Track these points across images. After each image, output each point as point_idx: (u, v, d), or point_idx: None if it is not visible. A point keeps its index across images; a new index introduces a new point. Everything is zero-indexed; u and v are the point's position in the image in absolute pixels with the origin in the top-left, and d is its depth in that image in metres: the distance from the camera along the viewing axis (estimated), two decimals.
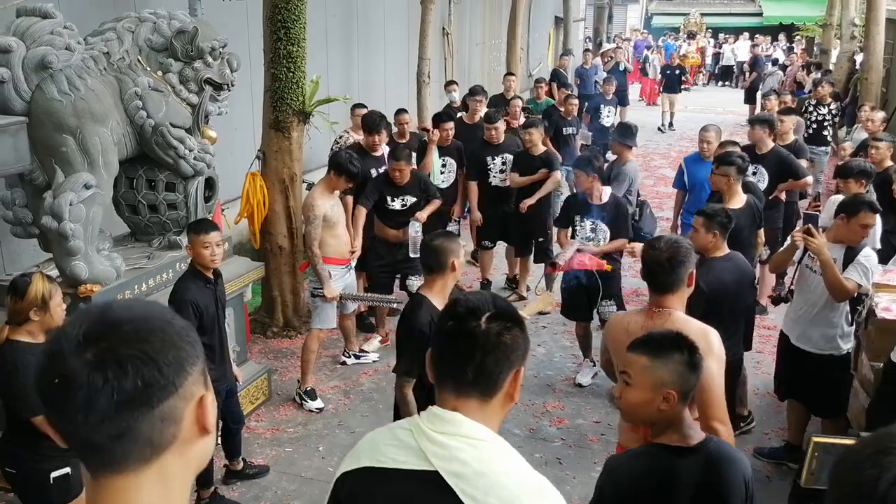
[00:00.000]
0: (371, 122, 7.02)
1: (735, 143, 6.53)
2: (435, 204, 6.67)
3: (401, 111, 8.04)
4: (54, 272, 4.49)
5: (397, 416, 4.01)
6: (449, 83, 11.26)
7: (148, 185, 5.08)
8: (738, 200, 5.69)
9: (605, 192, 6.16)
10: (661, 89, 19.72)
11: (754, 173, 7.35)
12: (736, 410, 5.29)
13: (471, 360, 1.75)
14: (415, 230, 6.28)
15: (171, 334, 1.11)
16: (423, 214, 6.50)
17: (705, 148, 7.18)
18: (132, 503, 1.10)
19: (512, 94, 11.24)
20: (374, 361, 6.69)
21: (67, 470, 3.64)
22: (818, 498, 3.06)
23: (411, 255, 6.24)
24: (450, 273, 3.85)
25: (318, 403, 5.90)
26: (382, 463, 1.77)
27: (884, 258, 5.62)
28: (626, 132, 7.94)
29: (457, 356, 1.78)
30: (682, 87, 27.31)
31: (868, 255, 4.71)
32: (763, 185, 6.98)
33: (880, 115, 9.45)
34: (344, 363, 6.63)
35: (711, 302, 4.31)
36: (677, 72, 19.24)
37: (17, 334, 3.50)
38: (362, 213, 6.48)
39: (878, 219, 5.45)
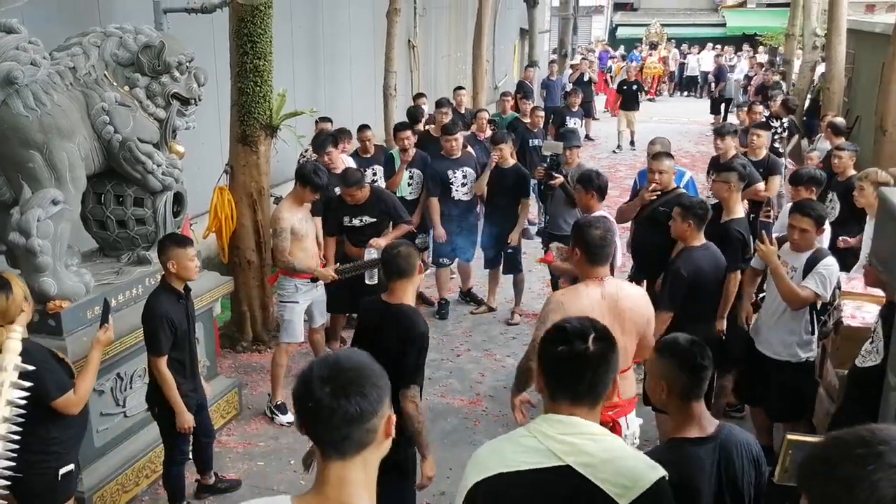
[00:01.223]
0: (317, 144, 7.02)
1: (669, 155, 6.42)
2: (402, 229, 6.53)
3: (363, 127, 8.00)
4: None
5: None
6: (417, 96, 11.32)
7: (116, 201, 5.05)
8: (739, 210, 5.65)
9: (598, 213, 5.78)
10: (619, 106, 18.50)
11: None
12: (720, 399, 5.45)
13: (583, 377, 2.19)
14: (370, 257, 6.15)
15: (375, 378, 1.78)
16: (382, 242, 6.26)
17: None
18: (347, 477, 1.78)
19: (464, 108, 11.31)
20: None
21: (72, 466, 3.76)
22: (793, 495, 3.15)
23: (367, 281, 6.14)
24: (417, 276, 3.96)
25: (288, 417, 5.89)
26: (516, 466, 2.17)
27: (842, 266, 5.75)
28: (570, 136, 8.08)
29: (572, 376, 2.21)
30: (648, 98, 27.75)
31: (828, 265, 4.75)
32: None
33: (827, 119, 9.72)
34: None
35: (692, 287, 4.72)
36: (634, 87, 18.18)
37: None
38: (330, 243, 6.46)
39: (825, 227, 5.58)
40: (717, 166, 6.59)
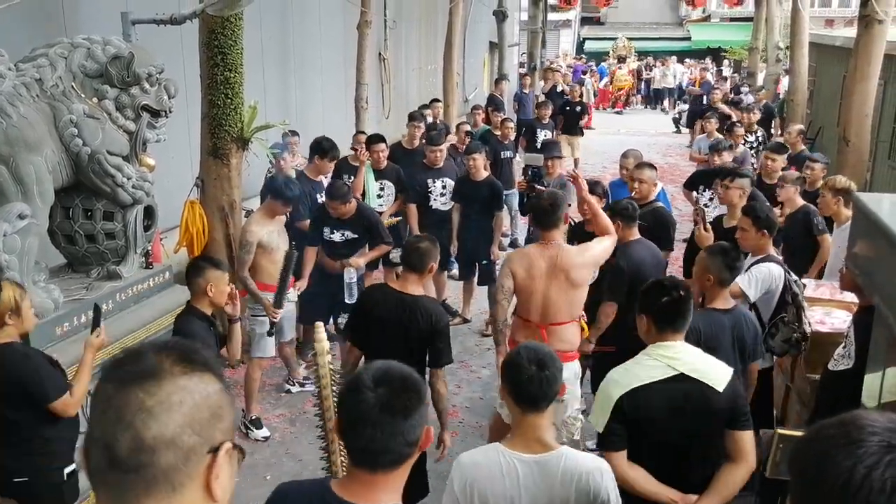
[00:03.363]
0: (320, 149, 7.02)
1: (652, 166, 6.53)
2: (382, 250, 6.50)
3: (359, 134, 8.01)
4: None
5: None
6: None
7: (85, 215, 4.96)
8: None
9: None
10: (560, 131, 15.46)
11: (712, 199, 7.55)
12: None
13: (680, 314, 3.23)
14: (349, 276, 6.11)
15: (559, 363, 2.78)
16: (361, 261, 6.31)
17: (625, 174, 7.20)
18: (542, 424, 2.73)
19: (438, 121, 11.36)
20: None
21: (74, 466, 3.76)
22: (783, 488, 3.19)
23: (346, 300, 6.09)
24: (427, 274, 4.37)
25: (264, 432, 5.82)
26: (647, 380, 3.09)
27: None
28: (551, 147, 8.18)
29: (674, 314, 3.22)
30: (616, 110, 27.96)
31: (761, 267, 4.80)
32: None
33: (796, 128, 9.87)
34: (289, 391, 6.55)
35: (634, 280, 4.92)
36: (577, 108, 15.88)
37: (1, 338, 3.58)
38: (311, 252, 6.36)
39: None
40: (724, 172, 6.70)
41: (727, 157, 7.90)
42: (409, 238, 4.63)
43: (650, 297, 3.28)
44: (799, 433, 2.97)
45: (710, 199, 7.54)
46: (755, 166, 10.18)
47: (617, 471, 2.99)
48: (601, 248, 4.74)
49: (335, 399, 3.24)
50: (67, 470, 3.77)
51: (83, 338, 4.62)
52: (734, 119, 11.31)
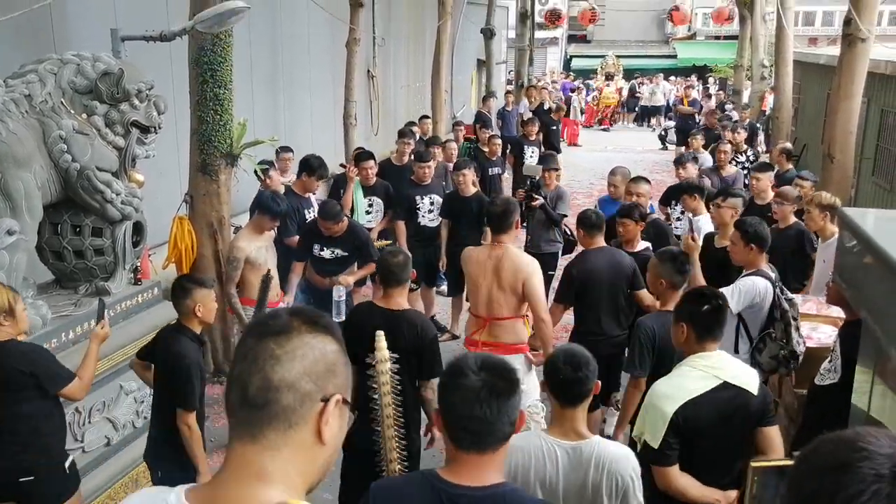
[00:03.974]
0: (308, 167, 7.05)
1: (646, 180, 6.71)
2: (371, 268, 6.43)
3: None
4: None
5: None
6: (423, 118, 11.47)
7: (73, 231, 4.93)
8: None
9: (641, 244, 5.96)
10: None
11: (683, 212, 7.61)
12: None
13: (720, 323, 3.37)
14: (338, 294, 6.11)
15: (592, 361, 2.94)
16: (350, 279, 6.31)
17: (613, 191, 7.35)
18: (579, 417, 2.94)
19: (427, 137, 11.41)
20: None
21: (72, 456, 3.94)
22: None
23: (334, 318, 6.01)
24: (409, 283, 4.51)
25: None
26: (697, 392, 3.21)
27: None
28: (549, 159, 8.35)
29: (714, 323, 3.36)
30: (605, 128, 28.06)
31: (745, 280, 4.82)
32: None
33: (780, 146, 10.05)
34: None
35: (584, 286, 5.36)
36: (553, 128, 15.68)
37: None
38: (297, 267, 6.37)
39: None
40: (693, 187, 6.97)
41: (692, 170, 8.12)
42: (382, 255, 4.61)
43: (690, 306, 3.45)
44: (773, 462, 2.98)
45: (682, 213, 7.58)
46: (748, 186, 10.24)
47: (672, 483, 3.27)
48: (535, 292, 4.95)
49: (395, 405, 3.31)
50: (67, 463, 3.88)
51: (72, 353, 4.61)
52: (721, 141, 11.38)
